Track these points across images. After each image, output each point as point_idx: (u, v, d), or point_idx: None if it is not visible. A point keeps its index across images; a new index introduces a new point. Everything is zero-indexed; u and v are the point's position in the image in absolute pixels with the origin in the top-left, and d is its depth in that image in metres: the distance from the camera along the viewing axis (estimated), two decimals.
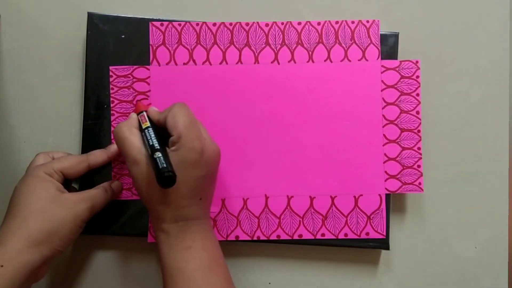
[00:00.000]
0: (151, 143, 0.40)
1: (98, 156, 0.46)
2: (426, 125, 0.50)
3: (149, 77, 0.48)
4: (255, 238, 0.47)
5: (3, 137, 0.50)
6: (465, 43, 0.52)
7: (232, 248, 0.49)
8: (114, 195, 0.46)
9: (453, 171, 0.51)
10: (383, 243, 0.48)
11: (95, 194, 0.44)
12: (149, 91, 0.48)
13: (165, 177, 0.37)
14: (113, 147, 0.47)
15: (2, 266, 0.37)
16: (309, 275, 0.50)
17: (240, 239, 0.47)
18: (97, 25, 0.48)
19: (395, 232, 0.50)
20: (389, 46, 0.49)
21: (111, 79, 0.48)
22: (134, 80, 0.48)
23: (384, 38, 0.49)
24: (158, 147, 0.39)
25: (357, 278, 0.50)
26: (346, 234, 0.48)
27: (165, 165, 0.37)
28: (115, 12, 0.48)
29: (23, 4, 0.50)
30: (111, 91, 0.48)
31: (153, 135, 0.40)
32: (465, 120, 0.51)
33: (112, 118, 0.48)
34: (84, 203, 0.42)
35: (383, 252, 0.50)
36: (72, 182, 0.47)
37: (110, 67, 0.48)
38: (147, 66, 0.48)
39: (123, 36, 0.48)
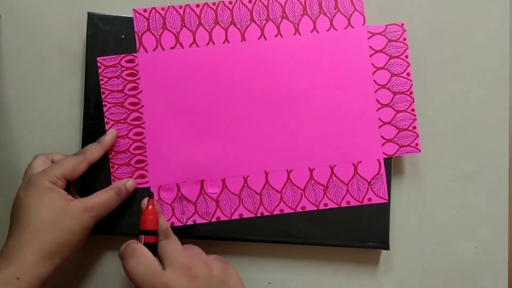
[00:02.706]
0: None
1: (94, 152, 0.45)
2: (426, 125, 0.50)
3: (137, 64, 0.48)
4: (258, 215, 0.48)
5: (3, 137, 0.50)
6: (465, 43, 0.52)
7: (233, 248, 0.49)
8: (128, 195, 0.46)
9: (453, 171, 0.51)
10: (383, 243, 0.48)
11: (104, 200, 0.43)
12: (139, 78, 0.48)
13: None
14: (106, 139, 0.46)
15: (18, 278, 0.38)
16: (309, 275, 0.50)
17: (244, 217, 0.48)
18: (97, 25, 0.48)
19: (395, 232, 0.50)
20: None
21: (99, 70, 0.48)
22: (123, 69, 0.48)
23: None
24: None
25: (357, 278, 0.50)
26: (348, 202, 0.48)
27: None
28: (115, 12, 0.48)
29: (23, 4, 0.50)
30: (101, 82, 0.48)
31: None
32: (465, 120, 0.51)
33: (105, 109, 0.48)
34: (89, 213, 0.42)
35: (383, 252, 0.50)
36: (72, 182, 0.46)
37: (98, 58, 0.48)
38: (135, 54, 0.48)
39: (123, 36, 0.48)
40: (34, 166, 0.43)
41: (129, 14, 0.49)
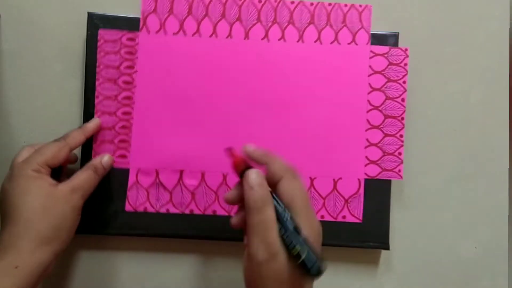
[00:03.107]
0: (291, 229, 0.33)
1: (76, 137, 0.45)
2: (426, 125, 0.50)
3: (137, 44, 0.48)
4: (232, 214, 0.46)
5: (3, 137, 0.50)
6: (465, 43, 0.52)
7: (232, 248, 0.49)
8: (105, 171, 0.46)
9: (453, 171, 0.51)
10: (383, 243, 0.48)
11: (85, 179, 0.43)
12: (137, 58, 0.48)
13: (320, 271, 0.32)
14: (89, 126, 0.46)
15: (17, 267, 0.38)
16: None
17: (217, 214, 0.48)
18: (97, 25, 0.48)
19: (395, 232, 0.50)
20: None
21: (99, 43, 0.48)
22: (122, 46, 0.48)
23: (384, 38, 0.49)
24: (299, 232, 0.33)
25: (357, 278, 0.50)
26: (322, 216, 0.48)
27: (316, 256, 0.32)
28: (115, 12, 0.48)
29: (23, 4, 0.50)
30: (98, 56, 0.48)
31: (287, 214, 0.34)
32: (465, 120, 0.51)
33: (97, 83, 0.47)
34: (76, 193, 0.42)
35: (383, 252, 0.50)
36: (58, 169, 0.46)
37: (100, 31, 0.47)
38: (136, 33, 0.48)
39: None
40: (19, 157, 0.43)
41: (129, 14, 0.48)
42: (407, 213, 0.51)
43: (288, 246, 0.33)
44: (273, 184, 0.37)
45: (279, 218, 0.34)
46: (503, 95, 0.51)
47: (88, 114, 0.48)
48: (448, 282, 0.51)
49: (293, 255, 0.33)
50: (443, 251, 0.51)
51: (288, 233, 0.33)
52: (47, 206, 0.40)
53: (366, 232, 0.48)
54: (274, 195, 0.35)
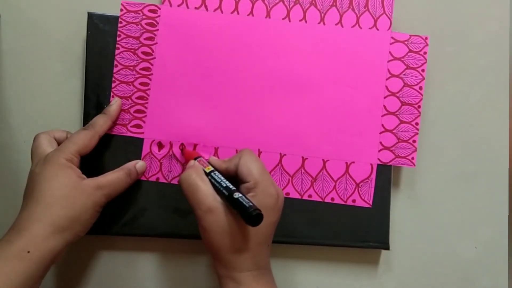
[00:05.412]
0: (224, 185, 0.39)
1: (103, 124, 0.46)
2: (426, 125, 0.50)
3: (159, 16, 0.48)
4: None
5: (3, 137, 0.50)
6: (465, 43, 0.52)
7: None
8: (138, 176, 0.47)
9: (453, 171, 0.51)
10: (383, 243, 0.48)
11: (115, 180, 0.44)
12: (157, 30, 0.48)
13: (255, 215, 0.36)
14: (112, 109, 0.47)
15: (28, 252, 0.38)
16: (309, 275, 0.50)
17: None
18: (97, 25, 0.48)
19: (395, 232, 0.50)
20: None
21: (120, 13, 0.48)
22: (144, 17, 0.48)
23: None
24: (234, 187, 0.39)
25: (357, 278, 0.50)
26: (332, 199, 0.48)
27: (251, 203, 0.37)
28: (115, 12, 0.48)
29: (23, 4, 0.50)
30: (119, 25, 0.48)
31: (222, 177, 0.40)
32: (465, 120, 0.51)
33: (117, 52, 0.48)
34: (101, 190, 0.42)
35: (383, 252, 0.50)
36: None
37: (122, 2, 0.48)
38: (158, 5, 0.48)
39: None
40: (43, 145, 0.44)
41: None
42: (407, 213, 0.51)
43: (229, 198, 0.38)
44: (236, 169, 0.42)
45: (213, 184, 0.40)
46: (503, 95, 0.51)
47: (88, 114, 0.48)
48: (448, 282, 0.51)
49: (235, 203, 0.37)
50: (443, 251, 0.51)
51: (224, 189, 0.39)
52: (69, 196, 0.41)
53: (366, 232, 0.48)
54: (214, 173, 0.41)
